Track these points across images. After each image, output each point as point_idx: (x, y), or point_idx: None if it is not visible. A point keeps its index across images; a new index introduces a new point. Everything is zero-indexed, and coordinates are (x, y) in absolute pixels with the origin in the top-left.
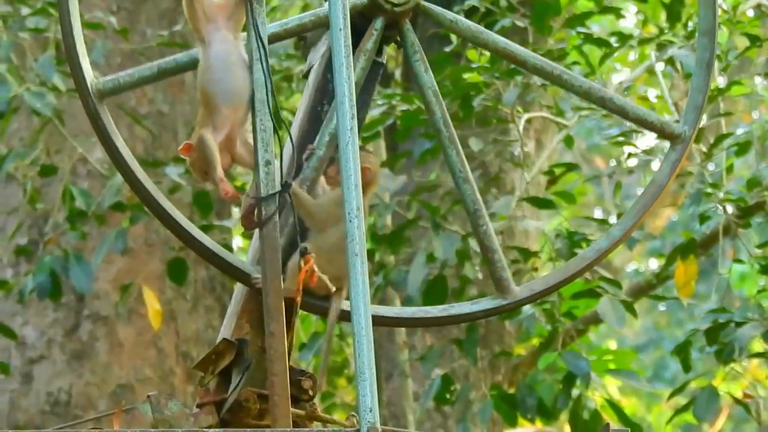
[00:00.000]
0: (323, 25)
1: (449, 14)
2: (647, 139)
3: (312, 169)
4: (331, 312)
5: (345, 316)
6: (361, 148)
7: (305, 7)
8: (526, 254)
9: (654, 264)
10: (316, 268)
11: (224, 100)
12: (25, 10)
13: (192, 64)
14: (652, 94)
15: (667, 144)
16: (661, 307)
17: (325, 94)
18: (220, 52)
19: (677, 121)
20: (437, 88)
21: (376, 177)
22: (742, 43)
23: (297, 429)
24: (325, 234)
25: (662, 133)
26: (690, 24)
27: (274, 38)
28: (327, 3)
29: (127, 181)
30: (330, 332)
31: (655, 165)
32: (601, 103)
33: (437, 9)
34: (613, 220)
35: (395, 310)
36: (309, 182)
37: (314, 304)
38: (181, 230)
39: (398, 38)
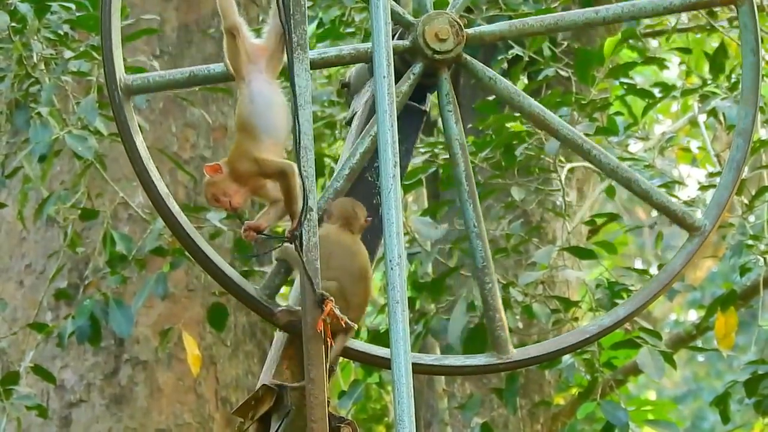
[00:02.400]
0: (362, 59)
1: (489, 71)
2: (689, 191)
3: (325, 200)
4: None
5: (386, 364)
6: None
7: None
8: (567, 304)
9: (693, 315)
10: (337, 311)
11: (267, 131)
12: (67, 53)
13: (223, 77)
14: (694, 145)
15: (707, 196)
16: (700, 358)
17: None
18: (263, 90)
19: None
20: (465, 141)
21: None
22: None
23: None
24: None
25: (682, 223)
26: (733, 76)
27: (311, 65)
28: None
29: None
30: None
31: (698, 215)
32: (627, 184)
33: (478, 65)
34: (653, 270)
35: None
36: (321, 212)
37: (356, 352)
38: (221, 275)
39: (437, 86)
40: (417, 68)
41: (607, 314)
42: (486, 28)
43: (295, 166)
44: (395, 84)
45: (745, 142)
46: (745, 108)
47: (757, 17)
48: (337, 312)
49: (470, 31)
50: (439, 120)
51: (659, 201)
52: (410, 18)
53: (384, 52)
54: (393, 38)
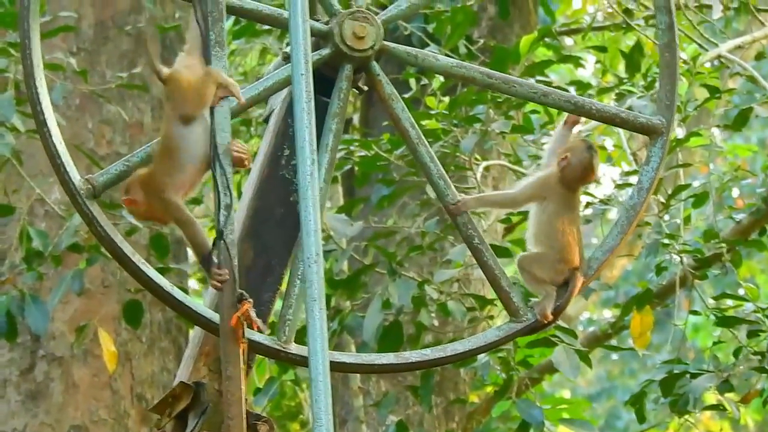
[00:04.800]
0: (277, 24)
1: (411, 50)
2: (604, 189)
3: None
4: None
5: (301, 362)
6: (588, 146)
7: (263, 51)
8: (482, 302)
9: (608, 314)
10: (252, 314)
11: (187, 162)
12: None
13: None
14: (609, 143)
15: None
16: (614, 356)
17: (286, 138)
18: (203, 129)
19: (633, 172)
20: (458, 60)
21: (578, 172)
22: (702, 94)
23: None
24: (541, 219)
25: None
26: (649, 75)
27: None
28: (289, 48)
29: (85, 220)
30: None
31: (612, 214)
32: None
33: (400, 47)
34: None
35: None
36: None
37: (265, 348)
38: (138, 272)
39: (359, 84)
40: (347, 69)
41: (599, 248)
42: (395, 6)
43: (194, 220)
44: (326, 90)
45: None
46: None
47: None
48: (252, 314)
49: (383, 16)
50: (354, 117)
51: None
52: (323, 26)
53: (301, 49)
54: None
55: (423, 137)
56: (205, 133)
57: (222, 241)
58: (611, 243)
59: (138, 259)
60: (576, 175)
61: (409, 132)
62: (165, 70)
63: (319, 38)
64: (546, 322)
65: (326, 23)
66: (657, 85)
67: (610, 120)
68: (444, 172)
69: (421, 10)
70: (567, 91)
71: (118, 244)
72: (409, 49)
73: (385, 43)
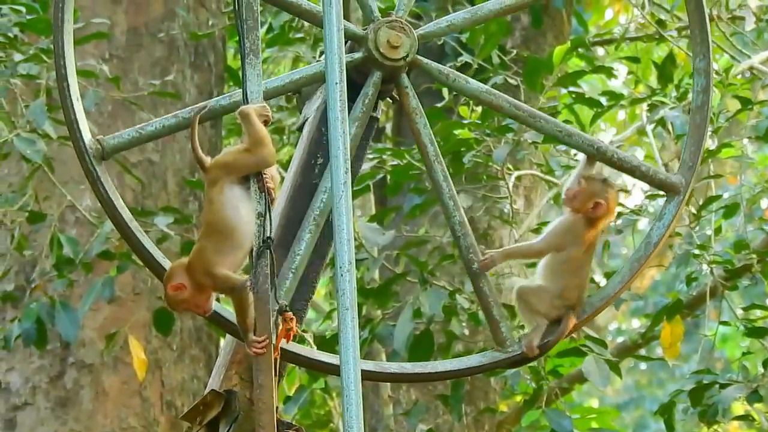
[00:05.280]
0: (318, 80)
1: (443, 68)
2: (635, 199)
3: (464, 236)
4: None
5: (333, 370)
6: (603, 180)
7: (296, 60)
8: (513, 311)
9: (637, 323)
10: (294, 326)
11: (235, 239)
12: (17, 56)
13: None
14: (640, 154)
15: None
16: (642, 366)
17: (320, 147)
18: (237, 195)
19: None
20: (488, 87)
21: (611, 209)
22: (733, 105)
23: None
24: (549, 262)
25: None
26: (681, 86)
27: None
28: (323, 57)
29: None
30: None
31: (642, 224)
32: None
33: (432, 64)
34: (599, 279)
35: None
36: (471, 249)
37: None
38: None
39: (393, 93)
40: (376, 76)
41: (595, 295)
42: (434, 24)
43: (246, 282)
44: (355, 96)
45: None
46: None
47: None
48: (294, 325)
49: (420, 31)
50: (387, 126)
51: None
52: (359, 30)
53: (336, 59)
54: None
55: (440, 156)
56: (252, 212)
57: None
58: (609, 291)
59: (135, 227)
60: (605, 215)
61: (427, 148)
62: (207, 160)
63: (354, 42)
64: (531, 356)
65: (363, 29)
66: (683, 144)
67: (630, 171)
68: (455, 192)
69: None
70: (600, 102)
71: (119, 209)
72: (441, 67)
73: (418, 57)
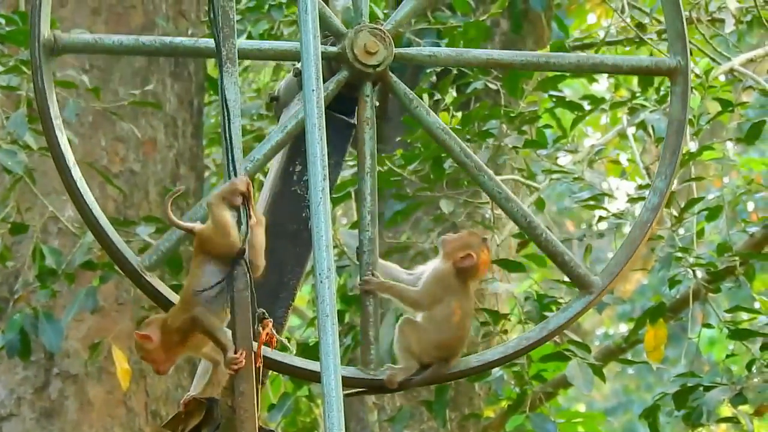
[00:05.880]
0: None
1: (410, 93)
2: (618, 203)
3: (369, 253)
4: (431, 375)
5: (315, 377)
6: (483, 239)
7: (276, 68)
8: (496, 316)
9: (624, 328)
10: (273, 332)
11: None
12: None
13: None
14: (623, 157)
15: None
16: (630, 371)
17: (297, 154)
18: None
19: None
20: (446, 126)
21: (481, 269)
22: (714, 108)
23: None
24: (428, 315)
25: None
26: (662, 89)
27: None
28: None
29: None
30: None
31: (626, 229)
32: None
33: (400, 85)
34: None
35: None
36: (372, 266)
37: (286, 366)
38: (150, 289)
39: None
40: (341, 75)
41: (475, 355)
42: (417, 50)
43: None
44: (347, 110)
45: (658, 198)
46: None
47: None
48: (273, 332)
49: (388, 25)
50: None
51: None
52: (342, 27)
53: (313, 66)
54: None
55: (375, 171)
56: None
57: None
58: (488, 357)
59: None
60: (476, 271)
61: (366, 160)
62: (195, 226)
63: (332, 61)
64: (389, 387)
65: (348, 29)
66: (614, 253)
67: (552, 256)
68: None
69: (431, 24)
70: (581, 105)
71: (48, 101)
72: (407, 90)
73: (389, 73)
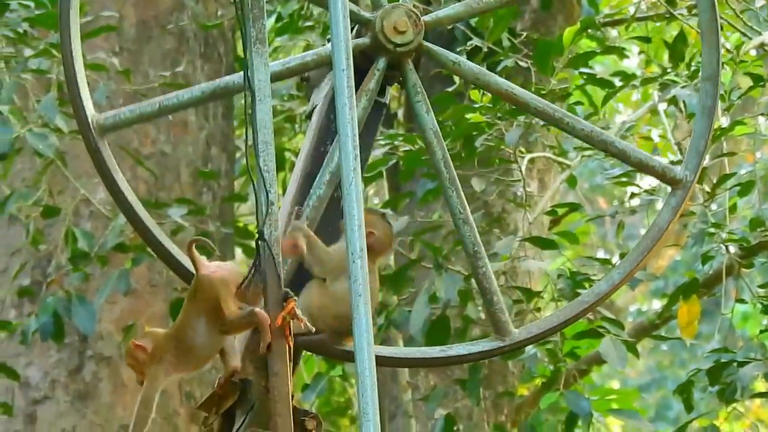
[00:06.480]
0: (325, 63)
1: (452, 55)
2: (650, 179)
3: (313, 209)
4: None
5: (349, 357)
6: (381, 215)
7: (307, 48)
8: (529, 294)
9: (657, 304)
10: (298, 312)
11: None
12: (27, 51)
13: (193, 102)
14: (655, 134)
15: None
16: (664, 347)
17: (328, 134)
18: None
19: (678, 162)
20: (438, 129)
21: (385, 244)
22: (746, 82)
23: None
24: (335, 284)
25: (663, 178)
26: (693, 64)
27: (276, 77)
28: (330, 43)
29: (128, 218)
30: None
31: (659, 205)
32: (603, 146)
33: (440, 50)
34: (615, 260)
35: (394, 350)
36: (309, 223)
37: (315, 345)
38: (183, 271)
39: (401, 78)
40: (381, 63)
41: (604, 280)
42: (443, 12)
43: (152, 408)
44: (361, 82)
45: (713, 87)
46: (708, 53)
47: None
48: (298, 312)
49: (427, 18)
50: (399, 112)
51: (638, 158)
52: (367, 14)
53: (343, 45)
54: (352, 36)
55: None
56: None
57: (264, 242)
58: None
59: (180, 256)
60: (382, 248)
61: (428, 138)
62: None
63: (360, 26)
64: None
65: (372, 14)
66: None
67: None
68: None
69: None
70: (612, 82)
71: (161, 241)
72: (450, 54)
73: (426, 43)
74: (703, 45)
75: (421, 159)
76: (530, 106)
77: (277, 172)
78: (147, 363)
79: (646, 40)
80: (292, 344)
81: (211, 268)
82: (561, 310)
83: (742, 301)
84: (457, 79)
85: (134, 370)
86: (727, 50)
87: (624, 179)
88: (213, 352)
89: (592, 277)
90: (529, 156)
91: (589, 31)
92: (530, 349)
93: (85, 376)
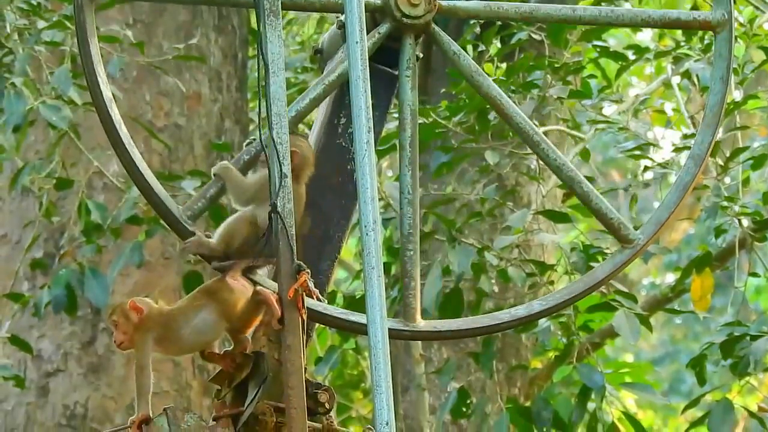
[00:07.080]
0: (331, 9)
1: (454, 46)
2: (663, 153)
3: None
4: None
5: (361, 330)
6: (293, 132)
7: (321, 20)
8: (543, 267)
9: (670, 278)
10: (310, 284)
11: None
12: (41, 24)
13: None
14: (668, 107)
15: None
16: (678, 320)
17: (341, 106)
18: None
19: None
20: (417, 108)
21: (307, 161)
22: (759, 56)
23: None
24: (259, 207)
25: (617, 233)
26: (706, 38)
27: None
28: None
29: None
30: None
31: (672, 178)
32: (570, 183)
33: (445, 37)
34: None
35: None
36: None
37: (332, 318)
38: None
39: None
40: (383, 28)
41: (524, 306)
42: (461, 3)
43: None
44: (389, 60)
45: (696, 166)
46: (703, 132)
47: (732, 49)
48: (310, 285)
49: (444, 3)
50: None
51: (598, 207)
52: (377, 1)
53: (357, 18)
54: None
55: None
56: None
57: (277, 214)
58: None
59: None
60: (306, 165)
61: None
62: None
63: (376, 14)
64: (186, 248)
65: None
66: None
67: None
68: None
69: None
70: (625, 56)
71: (173, 212)
72: (452, 44)
73: (435, 26)
74: (703, 122)
75: (435, 132)
76: (513, 120)
77: None
78: (133, 327)
79: None
80: (305, 317)
81: (240, 281)
82: (472, 318)
83: (755, 274)
84: (471, 52)
85: (116, 329)
86: (741, 24)
87: (637, 152)
88: (191, 350)
89: (605, 250)
90: (542, 129)
91: (603, 4)
92: (543, 322)
93: (97, 348)
